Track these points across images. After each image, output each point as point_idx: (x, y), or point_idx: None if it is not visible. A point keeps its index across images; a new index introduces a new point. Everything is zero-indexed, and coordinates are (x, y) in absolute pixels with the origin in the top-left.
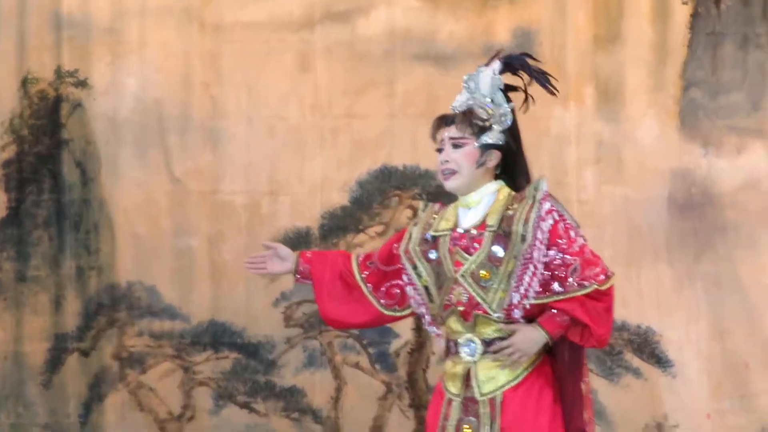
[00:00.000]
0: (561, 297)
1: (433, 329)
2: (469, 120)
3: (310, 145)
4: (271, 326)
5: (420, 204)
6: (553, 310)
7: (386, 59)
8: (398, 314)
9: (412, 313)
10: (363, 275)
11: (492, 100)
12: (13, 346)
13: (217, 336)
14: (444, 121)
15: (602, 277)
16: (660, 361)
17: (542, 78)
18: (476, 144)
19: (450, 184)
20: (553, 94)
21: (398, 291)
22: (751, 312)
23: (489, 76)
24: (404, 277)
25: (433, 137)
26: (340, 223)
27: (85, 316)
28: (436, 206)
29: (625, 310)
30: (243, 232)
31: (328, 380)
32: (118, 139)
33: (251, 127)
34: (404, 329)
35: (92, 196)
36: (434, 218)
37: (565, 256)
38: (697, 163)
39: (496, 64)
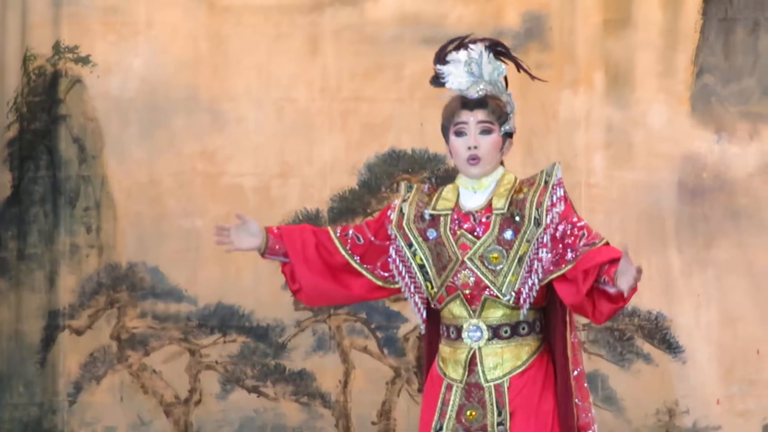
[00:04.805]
0: (573, 263)
1: (419, 314)
2: (498, 106)
3: (318, 128)
4: (281, 309)
5: (402, 186)
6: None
7: (395, 43)
8: (393, 287)
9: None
10: (347, 248)
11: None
12: (15, 324)
13: (225, 319)
14: (466, 104)
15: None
16: (671, 346)
17: (523, 65)
18: (500, 132)
19: (477, 171)
20: (534, 78)
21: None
22: (763, 299)
23: (489, 63)
24: (392, 254)
25: (450, 119)
26: (349, 206)
27: (80, 294)
28: (425, 187)
29: (635, 296)
30: (252, 215)
31: (337, 364)
32: (123, 119)
33: (260, 109)
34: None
35: (93, 173)
36: (427, 198)
37: (575, 227)
38: (709, 149)
39: (482, 49)
